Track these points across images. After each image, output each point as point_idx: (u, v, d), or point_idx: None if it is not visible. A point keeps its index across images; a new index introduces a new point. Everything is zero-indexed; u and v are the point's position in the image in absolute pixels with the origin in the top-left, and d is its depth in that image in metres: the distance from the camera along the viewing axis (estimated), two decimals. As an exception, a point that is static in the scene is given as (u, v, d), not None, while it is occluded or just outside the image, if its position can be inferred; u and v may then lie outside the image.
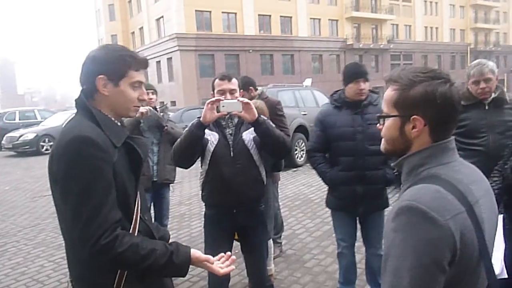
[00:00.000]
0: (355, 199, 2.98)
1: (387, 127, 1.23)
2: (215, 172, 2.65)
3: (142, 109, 3.63)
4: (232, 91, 2.62)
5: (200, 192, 2.80)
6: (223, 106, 2.45)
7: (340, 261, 3.22)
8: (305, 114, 10.09)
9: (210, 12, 30.06)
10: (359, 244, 3.25)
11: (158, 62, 32.77)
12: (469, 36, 48.42)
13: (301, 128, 9.99)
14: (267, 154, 2.82)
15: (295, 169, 9.57)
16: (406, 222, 1.06)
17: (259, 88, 4.75)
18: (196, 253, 1.56)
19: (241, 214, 2.69)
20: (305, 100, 10.80)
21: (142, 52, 34.17)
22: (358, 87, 2.92)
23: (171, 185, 4.18)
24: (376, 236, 3.06)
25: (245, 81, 4.25)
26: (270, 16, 32.54)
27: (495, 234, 1.26)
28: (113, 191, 1.41)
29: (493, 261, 1.15)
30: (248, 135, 2.68)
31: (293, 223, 5.63)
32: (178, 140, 2.64)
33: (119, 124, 1.58)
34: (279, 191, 4.66)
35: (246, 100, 2.46)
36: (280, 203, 5.12)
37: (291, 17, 33.62)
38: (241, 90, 4.29)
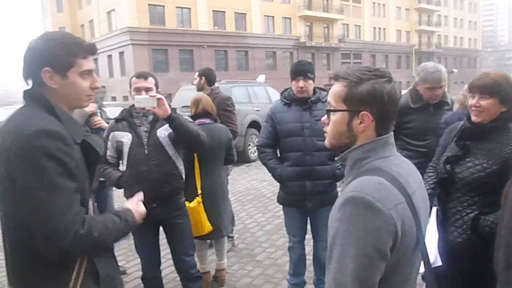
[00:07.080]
0: (304, 194, 3.02)
1: (334, 122, 1.26)
2: (131, 171, 2.78)
3: (92, 107, 3.58)
4: (147, 89, 2.72)
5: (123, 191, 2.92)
6: (137, 102, 2.59)
7: (291, 255, 3.29)
8: (258, 110, 10.18)
9: (163, 6, 29.50)
10: (309, 236, 3.31)
11: (110, 56, 31.74)
12: (413, 38, 50.61)
13: (254, 124, 10.08)
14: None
15: (248, 164, 9.65)
16: (351, 212, 1.11)
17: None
18: (129, 204, 1.66)
19: (161, 208, 2.77)
20: (258, 96, 10.88)
21: (92, 45, 33.02)
22: (298, 85, 2.98)
23: None
24: (325, 231, 3.09)
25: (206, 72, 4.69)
26: (224, 12, 32.40)
27: (427, 223, 1.36)
28: (77, 185, 1.37)
29: (427, 249, 1.25)
30: (163, 131, 2.78)
31: (244, 217, 5.70)
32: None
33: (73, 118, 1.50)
34: (230, 186, 4.72)
35: (158, 96, 2.57)
36: (232, 198, 5.19)
37: (245, 14, 33.66)
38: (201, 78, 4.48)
